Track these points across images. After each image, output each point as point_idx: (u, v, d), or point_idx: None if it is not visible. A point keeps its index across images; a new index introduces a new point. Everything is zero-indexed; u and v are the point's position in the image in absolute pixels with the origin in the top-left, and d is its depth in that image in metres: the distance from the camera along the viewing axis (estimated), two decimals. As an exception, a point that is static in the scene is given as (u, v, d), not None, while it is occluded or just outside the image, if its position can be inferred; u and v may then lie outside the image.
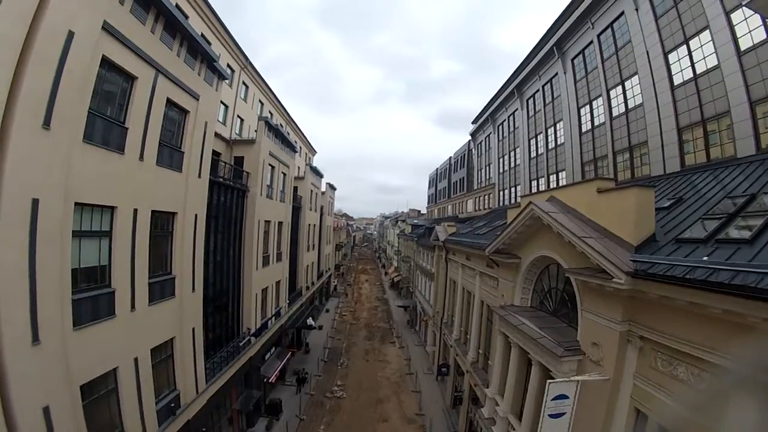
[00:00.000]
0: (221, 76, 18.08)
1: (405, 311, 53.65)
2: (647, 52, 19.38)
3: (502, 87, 40.94)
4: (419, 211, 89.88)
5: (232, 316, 23.44)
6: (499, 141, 43.27)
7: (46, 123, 9.07)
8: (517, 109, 37.72)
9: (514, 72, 37.03)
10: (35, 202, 8.93)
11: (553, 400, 9.89)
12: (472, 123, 52.33)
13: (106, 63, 11.17)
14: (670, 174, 17.25)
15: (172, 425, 14.63)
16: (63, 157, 9.66)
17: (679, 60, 17.53)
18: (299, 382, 30.75)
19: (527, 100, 35.48)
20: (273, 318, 29.25)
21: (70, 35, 9.43)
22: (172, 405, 14.85)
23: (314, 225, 48.65)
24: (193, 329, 16.72)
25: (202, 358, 17.49)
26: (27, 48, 8.48)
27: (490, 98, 44.83)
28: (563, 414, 10.02)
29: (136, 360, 12.98)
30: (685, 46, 17.10)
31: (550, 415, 9.98)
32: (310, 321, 38.32)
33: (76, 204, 10.50)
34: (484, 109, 47.32)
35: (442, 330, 31.59)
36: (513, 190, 37.86)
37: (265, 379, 26.06)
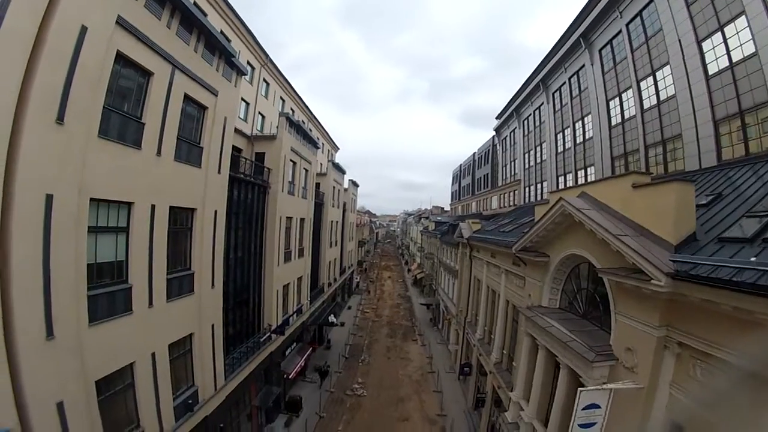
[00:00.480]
0: (240, 72, 17.85)
1: (428, 309, 53.16)
2: (679, 41, 18.36)
3: (526, 81, 39.76)
4: (442, 208, 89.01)
5: (253, 312, 23.37)
6: (524, 136, 42.20)
7: (60, 118, 8.98)
8: (542, 103, 36.65)
9: (539, 65, 35.92)
10: (49, 198, 8.87)
11: (584, 409, 9.29)
12: (496, 118, 51.31)
13: (121, 58, 11.03)
14: (706, 169, 16.30)
15: (189, 421, 14.52)
16: (77, 152, 9.57)
17: (713, 48, 16.52)
18: (322, 374, 30.67)
19: (553, 94, 34.41)
20: (294, 314, 29.16)
21: (83, 30, 9.33)
22: (190, 401, 14.72)
23: (337, 221, 48.53)
24: (213, 325, 16.59)
25: (222, 354, 17.36)
26: (39, 42, 8.39)
27: (514, 93, 43.73)
28: (594, 424, 9.41)
29: (153, 355, 12.89)
30: (719, 33, 16.12)
31: (581, 425, 9.38)
32: (331, 318, 38.21)
33: (92, 199, 10.38)
34: (508, 103, 46.24)
35: (466, 329, 30.99)
36: (539, 186, 36.88)
37: (286, 376, 25.98)
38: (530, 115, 40.19)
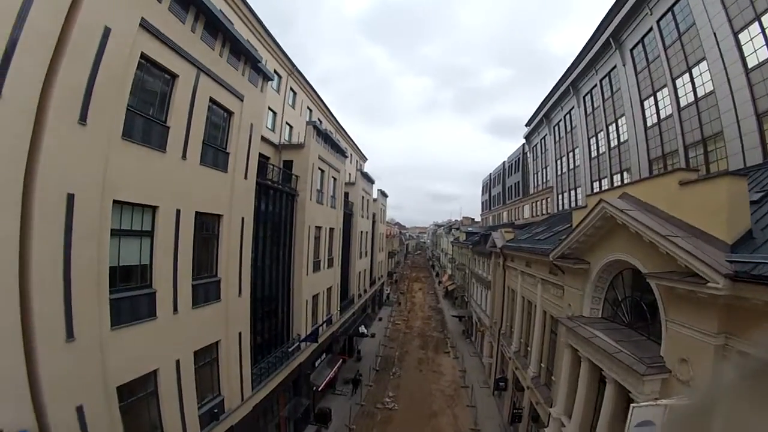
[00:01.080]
0: (266, 77, 17.76)
1: (460, 321, 52.01)
2: (714, 34, 17.35)
3: (555, 85, 38.65)
4: (473, 219, 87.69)
5: (282, 322, 23.05)
6: (555, 142, 41.05)
7: (82, 118, 8.92)
8: (573, 107, 35.56)
9: (569, 68, 34.86)
10: (70, 198, 8.78)
11: (637, 426, 8.40)
12: (526, 125, 50.27)
13: (145, 60, 10.99)
14: (752, 167, 15.11)
15: (214, 431, 14.19)
16: (100, 153, 9.49)
17: (751, 39, 15.51)
18: (354, 383, 30.15)
19: (584, 97, 33.29)
20: (324, 325, 28.72)
21: (107, 31, 9.31)
22: (215, 410, 14.40)
23: (366, 232, 48.14)
24: (240, 334, 16.29)
25: (249, 363, 17.04)
26: (62, 42, 8.35)
27: (543, 98, 42.70)
28: (647, 443, 8.51)
29: (177, 363, 12.59)
30: (756, 24, 15.15)
31: (633, 444, 8.49)
32: (362, 329, 37.66)
33: (115, 202, 10.25)
34: (537, 109, 45.19)
35: (500, 341, 29.87)
36: (573, 193, 35.66)
37: (315, 387, 25.45)
38: (561, 120, 39.11)
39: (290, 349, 22.35)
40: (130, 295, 10.96)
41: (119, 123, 10.15)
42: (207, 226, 14.56)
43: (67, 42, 8.41)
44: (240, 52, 15.44)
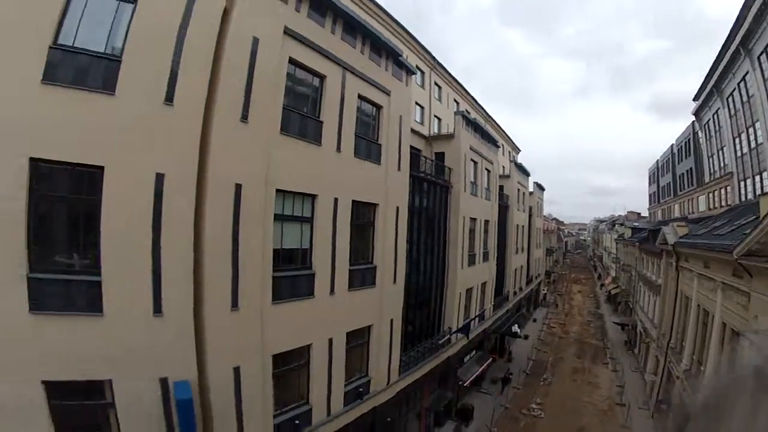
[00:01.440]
0: (409, 71, 18.20)
1: (622, 329, 46.85)
2: None
3: (722, 49, 31.77)
4: (639, 214, 78.44)
5: (434, 313, 23.39)
6: (730, 117, 33.73)
7: (244, 117, 10.40)
8: (747, 72, 28.55)
9: (734, 26, 28.31)
10: (238, 187, 10.29)
11: None
12: (693, 100, 42.63)
13: (294, 63, 12.25)
14: None
15: (357, 408, 15.05)
16: (262, 146, 10.94)
17: None
18: (503, 383, 29.45)
19: (758, 57, 26.58)
20: (476, 320, 28.43)
21: (255, 41, 10.62)
22: (361, 389, 15.26)
23: (522, 226, 46.18)
24: (392, 320, 17.06)
25: (398, 350, 17.76)
26: (218, 53, 9.84)
27: (710, 66, 35.52)
28: None
29: (330, 341, 13.77)
30: None
31: None
32: (515, 328, 36.26)
33: (278, 191, 11.65)
34: (705, 80, 37.85)
35: (668, 356, 26.04)
36: (757, 179, 28.99)
37: (460, 383, 25.27)
38: (734, 89, 32.00)
39: (440, 341, 22.63)
40: (291, 275, 12.44)
41: (277, 119, 11.53)
42: (363, 214, 15.60)
43: (222, 53, 9.89)
44: (380, 48, 16.03)
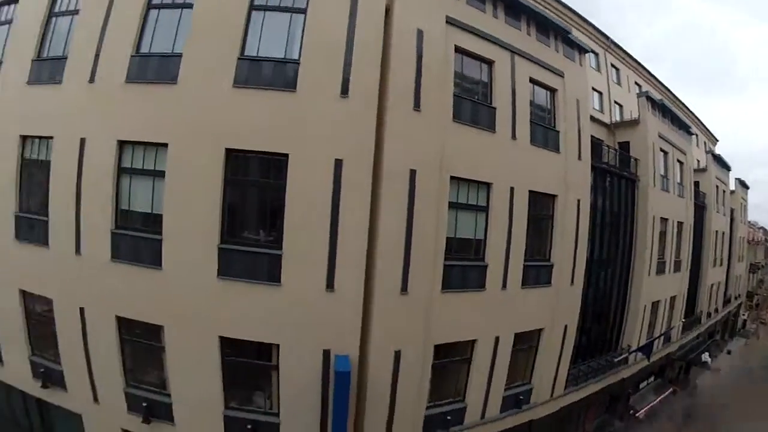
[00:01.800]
0: (581, 49, 16.18)
1: None
2: None
3: None
4: None
5: (612, 325, 20.99)
6: None
7: (416, 106, 10.59)
8: None
9: None
10: (412, 172, 10.44)
11: None
12: None
13: (460, 51, 12.03)
14: None
15: (514, 417, 14.12)
16: (435, 134, 10.94)
17: None
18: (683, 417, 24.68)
19: None
20: (660, 340, 24.51)
21: (420, 33, 10.71)
22: (521, 397, 14.23)
23: (722, 232, 37.36)
24: (566, 326, 15.56)
25: (568, 361, 16.19)
26: (386, 48, 10.27)
27: None
28: None
29: (497, 339, 13.03)
30: None
31: None
32: (704, 357, 30.31)
33: (452, 178, 11.48)
34: None
35: None
36: None
37: (632, 412, 22.41)
38: None
39: (616, 359, 20.16)
40: (463, 264, 12.14)
41: (449, 107, 11.45)
42: (540, 206, 14.37)
43: (390, 47, 10.31)
44: (547, 28, 14.60)
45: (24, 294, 12.07)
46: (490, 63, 12.82)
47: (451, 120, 11.44)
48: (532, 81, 13.99)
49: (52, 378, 11.93)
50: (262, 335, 10.16)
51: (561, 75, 14.96)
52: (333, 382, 9.67)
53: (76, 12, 11.66)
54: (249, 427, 10.35)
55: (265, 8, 10.43)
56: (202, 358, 10.25)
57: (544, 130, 14.37)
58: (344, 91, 9.81)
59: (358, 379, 10.31)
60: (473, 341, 12.55)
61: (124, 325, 10.85)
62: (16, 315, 12.16)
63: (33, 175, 11.91)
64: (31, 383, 12.33)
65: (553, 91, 14.93)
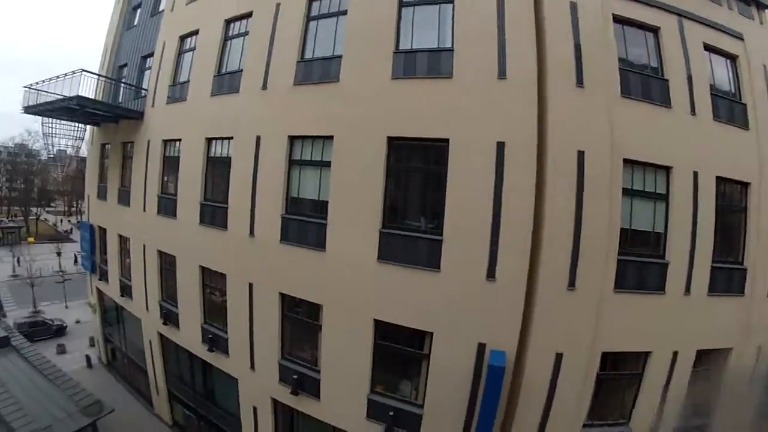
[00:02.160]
0: (760, 5, 13.03)
1: None
2: None
3: None
4: None
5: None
6: None
7: (579, 82, 9.61)
8: None
9: None
10: (580, 155, 9.36)
11: None
12: None
13: (619, 21, 10.72)
14: None
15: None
16: (602, 111, 9.73)
17: None
18: None
19: None
20: None
21: (573, 5, 9.88)
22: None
23: None
24: (759, 348, 12.18)
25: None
26: (539, 24, 9.70)
27: None
28: None
29: (675, 354, 10.88)
30: None
31: None
32: None
33: (625, 160, 9.93)
34: None
35: None
36: None
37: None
38: None
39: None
40: (639, 261, 10.33)
41: (614, 82, 10.15)
42: (730, 196, 11.89)
43: (543, 23, 9.68)
44: None
45: (203, 270, 14.47)
46: (655, 30, 11.24)
47: (619, 95, 10.14)
48: (708, 48, 11.93)
49: (217, 344, 14.05)
50: (416, 322, 10.07)
51: (740, 38, 12.59)
52: (485, 377, 9.22)
53: (246, 34, 13.67)
54: (391, 413, 10.40)
55: (415, 3, 10.83)
56: (355, 340, 10.65)
57: (729, 104, 11.94)
58: (501, 72, 9.58)
59: (512, 379, 9.55)
60: (646, 353, 10.55)
61: (287, 301, 12.13)
62: (195, 288, 14.61)
63: (216, 170, 14.08)
64: (199, 347, 14.69)
65: (733, 58, 12.57)
